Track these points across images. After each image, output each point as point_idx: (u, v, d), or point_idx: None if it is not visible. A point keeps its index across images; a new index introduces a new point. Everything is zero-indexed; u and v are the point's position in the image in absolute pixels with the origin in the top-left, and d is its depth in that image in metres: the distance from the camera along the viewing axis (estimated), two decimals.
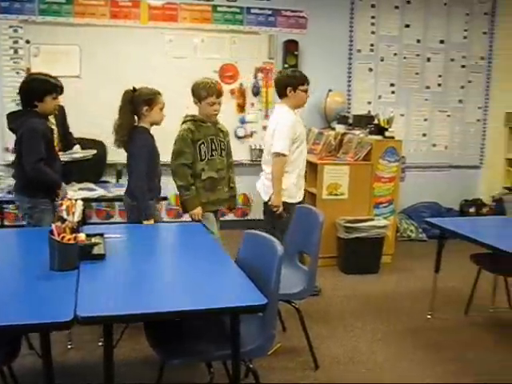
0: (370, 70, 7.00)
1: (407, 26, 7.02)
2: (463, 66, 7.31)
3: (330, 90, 6.55)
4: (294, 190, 4.52)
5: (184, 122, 4.19)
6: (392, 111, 6.56)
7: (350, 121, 6.44)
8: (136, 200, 3.92)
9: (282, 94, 4.55)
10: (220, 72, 6.50)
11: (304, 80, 4.52)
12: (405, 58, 7.08)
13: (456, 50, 7.25)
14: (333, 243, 5.44)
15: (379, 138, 5.73)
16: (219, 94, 4.16)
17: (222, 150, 4.27)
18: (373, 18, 6.91)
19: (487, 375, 3.52)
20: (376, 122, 5.95)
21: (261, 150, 5.98)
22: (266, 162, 4.57)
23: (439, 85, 7.18)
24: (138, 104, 3.90)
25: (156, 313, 2.26)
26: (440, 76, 7.22)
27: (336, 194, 5.47)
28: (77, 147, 4.86)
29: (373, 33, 6.94)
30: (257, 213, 6.38)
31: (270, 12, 6.61)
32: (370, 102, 6.93)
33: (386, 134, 5.75)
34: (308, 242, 3.59)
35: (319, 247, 3.53)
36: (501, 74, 7.29)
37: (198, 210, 4.12)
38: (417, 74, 7.13)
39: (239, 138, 6.67)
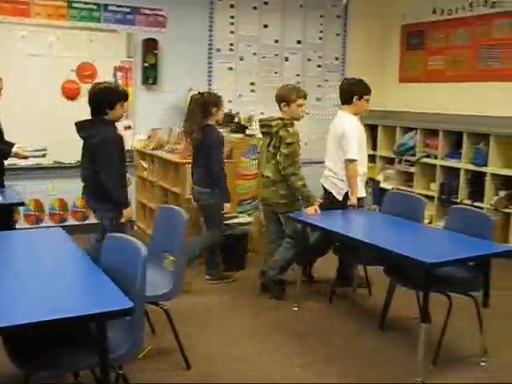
0: (230, 69, 7.07)
1: (265, 26, 7.17)
2: (319, 66, 7.59)
3: (190, 89, 6.52)
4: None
5: (287, 126, 4.53)
6: (252, 110, 6.68)
7: None
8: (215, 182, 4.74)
9: (346, 101, 4.75)
10: (78, 71, 6.26)
11: (369, 91, 4.74)
12: (264, 57, 7.22)
13: (312, 50, 7.52)
14: None
15: (240, 136, 5.81)
16: (306, 96, 4.60)
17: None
18: (232, 17, 6.98)
19: (353, 359, 3.69)
20: (237, 120, 6.02)
21: None
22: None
23: (298, 83, 7.36)
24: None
25: (13, 326, 2.12)
26: (298, 75, 7.45)
27: None
28: None
29: (232, 32, 7.01)
30: None
31: (128, 10, 6.46)
32: (230, 101, 6.99)
33: (247, 132, 5.84)
34: (173, 242, 3.55)
35: (184, 247, 3.51)
36: (354, 74, 7.61)
37: (317, 206, 4.56)
38: (276, 73, 7.31)
39: None
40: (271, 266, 4.71)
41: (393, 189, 7.07)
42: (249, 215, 5.70)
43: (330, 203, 4.77)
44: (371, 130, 7.63)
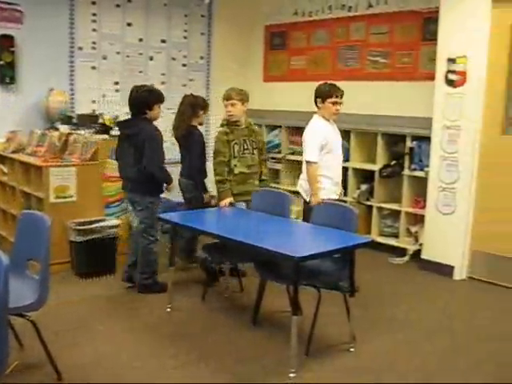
0: (93, 68, 6.85)
1: (129, 24, 7.02)
2: (184, 65, 7.57)
3: (51, 89, 6.26)
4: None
5: (221, 126, 5.02)
6: (117, 110, 6.53)
7: (75, 121, 6.26)
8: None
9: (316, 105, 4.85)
10: None
11: (333, 94, 4.76)
12: (128, 56, 7.07)
13: (177, 50, 7.47)
14: (66, 248, 5.24)
15: (105, 137, 5.67)
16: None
17: (254, 148, 5.04)
18: (94, 15, 6.76)
19: (227, 356, 3.71)
20: (101, 121, 5.86)
21: None
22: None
23: (163, 83, 7.31)
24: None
25: None
26: (163, 74, 7.37)
27: (64, 197, 5.26)
28: None
29: (94, 30, 6.79)
30: None
31: None
32: (94, 101, 6.78)
33: (112, 133, 5.71)
34: (37, 248, 3.38)
35: (49, 253, 3.36)
36: (219, 73, 7.70)
37: (228, 200, 4.82)
38: (140, 72, 7.18)
39: None
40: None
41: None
42: (117, 218, 5.57)
43: (304, 206, 4.93)
44: None
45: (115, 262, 5.36)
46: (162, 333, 4.11)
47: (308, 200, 4.78)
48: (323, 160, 4.70)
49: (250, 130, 5.10)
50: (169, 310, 4.48)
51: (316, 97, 4.80)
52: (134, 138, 4.69)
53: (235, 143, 4.94)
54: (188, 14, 7.50)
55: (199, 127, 5.40)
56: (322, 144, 4.70)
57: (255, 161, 5.07)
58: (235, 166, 4.93)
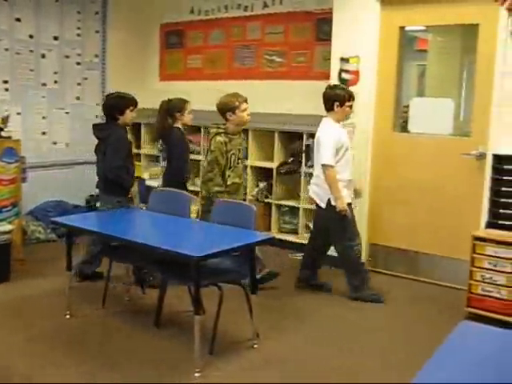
0: None
1: (18, 19, 6.70)
2: (78, 64, 7.35)
3: None
4: None
5: (218, 134, 4.78)
6: (7, 110, 6.26)
7: None
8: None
9: (328, 108, 4.82)
10: None
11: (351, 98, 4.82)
12: (18, 53, 6.76)
13: (71, 48, 7.24)
14: None
15: None
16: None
17: (241, 157, 5.00)
18: None
19: (130, 361, 3.64)
20: None
21: None
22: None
23: (56, 82, 7.08)
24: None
25: None
26: (56, 73, 7.12)
27: None
28: None
29: None
30: None
31: None
32: None
33: (2, 133, 5.46)
34: None
35: None
36: (114, 72, 7.54)
37: None
38: (31, 70, 6.90)
39: None
40: None
41: (158, 186, 7.14)
42: (9, 223, 5.33)
43: (316, 211, 4.98)
44: (135, 129, 7.62)
45: (9, 268, 5.12)
46: (62, 341, 3.97)
47: (322, 205, 4.81)
48: (337, 164, 4.75)
49: (241, 138, 5.10)
50: (68, 316, 4.34)
51: (333, 101, 4.80)
52: (105, 141, 4.87)
53: (232, 153, 4.84)
54: (81, 11, 7.29)
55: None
56: (337, 147, 4.73)
57: (242, 170, 5.08)
58: (229, 176, 4.84)
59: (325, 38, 6.07)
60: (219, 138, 4.79)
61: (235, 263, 3.96)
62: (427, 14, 5.23)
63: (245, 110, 4.86)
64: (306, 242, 5.32)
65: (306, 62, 6.44)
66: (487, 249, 4.37)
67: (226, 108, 4.83)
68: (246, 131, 6.47)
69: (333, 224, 4.83)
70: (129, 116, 4.97)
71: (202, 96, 7.30)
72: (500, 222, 4.52)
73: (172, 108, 5.28)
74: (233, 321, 4.18)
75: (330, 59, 5.74)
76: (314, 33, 6.33)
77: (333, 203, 4.71)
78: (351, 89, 5.21)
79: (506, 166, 4.49)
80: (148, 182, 7.40)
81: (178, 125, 5.28)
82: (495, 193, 4.58)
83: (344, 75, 5.57)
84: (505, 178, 4.50)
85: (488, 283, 4.36)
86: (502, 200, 4.52)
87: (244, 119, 4.89)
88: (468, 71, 5.67)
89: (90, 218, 4.68)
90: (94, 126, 5.18)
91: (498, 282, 4.32)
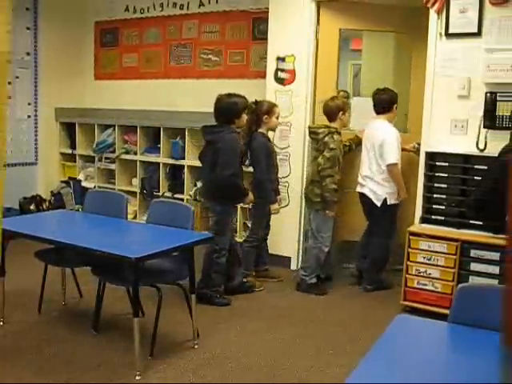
0: None
1: None
2: (8, 62, 7.13)
3: None
4: None
5: (334, 133, 4.88)
6: None
7: None
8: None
9: (385, 110, 4.98)
10: None
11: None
12: None
13: None
14: None
15: None
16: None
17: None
18: None
19: (68, 367, 3.56)
20: None
21: None
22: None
23: None
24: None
25: None
26: None
27: None
28: None
29: None
30: None
31: None
32: None
33: None
34: None
35: None
36: (47, 70, 7.34)
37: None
38: None
39: None
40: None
41: (95, 187, 7.02)
42: None
43: (369, 211, 5.09)
44: (69, 129, 7.48)
45: None
46: None
47: (378, 204, 4.96)
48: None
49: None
50: (1, 323, 4.20)
51: (392, 103, 5.00)
52: (214, 145, 4.64)
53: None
54: (13, 8, 7.06)
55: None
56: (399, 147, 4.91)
57: None
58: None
59: (261, 37, 6.11)
60: (337, 137, 4.92)
61: (174, 264, 3.93)
62: (365, 18, 5.39)
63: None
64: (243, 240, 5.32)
65: (243, 61, 6.45)
66: (421, 243, 4.49)
67: (338, 109, 4.97)
68: (182, 130, 6.44)
69: (382, 220, 5.04)
70: (243, 120, 4.76)
71: (137, 95, 7.27)
72: (433, 217, 4.65)
73: (259, 110, 5.02)
74: (173, 322, 4.15)
75: (266, 58, 5.77)
76: (251, 32, 6.36)
77: (388, 202, 4.95)
78: (287, 88, 5.28)
79: (438, 163, 4.61)
80: (84, 184, 7.28)
81: (263, 129, 5.07)
82: (428, 189, 4.70)
83: (280, 74, 5.61)
84: (437, 174, 4.62)
85: (423, 277, 4.48)
86: (435, 196, 4.64)
87: (346, 121, 5.11)
88: (403, 70, 5.79)
89: (24, 220, 4.53)
90: (204, 127, 4.81)
91: (432, 275, 4.44)
